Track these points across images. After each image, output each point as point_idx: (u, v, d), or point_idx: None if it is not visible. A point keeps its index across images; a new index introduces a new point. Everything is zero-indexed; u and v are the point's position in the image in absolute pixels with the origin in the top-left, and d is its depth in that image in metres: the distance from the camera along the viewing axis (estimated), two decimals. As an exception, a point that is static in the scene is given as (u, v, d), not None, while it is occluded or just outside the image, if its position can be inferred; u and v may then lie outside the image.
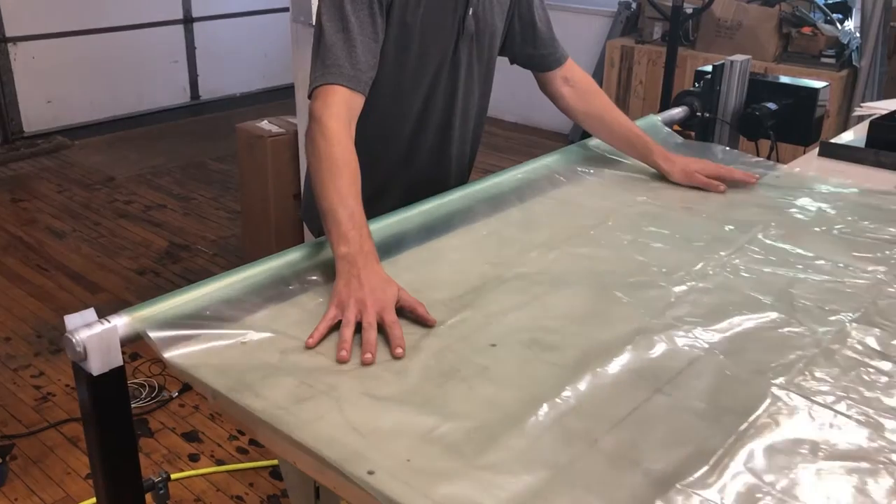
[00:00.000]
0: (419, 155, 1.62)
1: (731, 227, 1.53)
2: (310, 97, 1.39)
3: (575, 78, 1.74)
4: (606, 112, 1.76)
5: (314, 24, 1.45)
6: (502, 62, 1.74)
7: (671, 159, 1.71)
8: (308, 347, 1.09)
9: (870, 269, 1.37)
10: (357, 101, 1.38)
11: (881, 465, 0.92)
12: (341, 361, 1.07)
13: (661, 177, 1.73)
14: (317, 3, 1.45)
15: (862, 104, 2.97)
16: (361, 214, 1.25)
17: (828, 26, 4.58)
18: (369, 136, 1.46)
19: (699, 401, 1.02)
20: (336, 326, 1.13)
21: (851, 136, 2.16)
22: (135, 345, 1.09)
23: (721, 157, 1.86)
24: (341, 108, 1.35)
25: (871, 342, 1.16)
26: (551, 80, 1.74)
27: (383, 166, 1.58)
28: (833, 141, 2.09)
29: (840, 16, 4.68)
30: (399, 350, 1.09)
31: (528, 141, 5.63)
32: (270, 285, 1.23)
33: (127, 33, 5.75)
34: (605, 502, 0.86)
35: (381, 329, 1.12)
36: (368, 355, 1.07)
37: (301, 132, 3.07)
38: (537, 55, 1.70)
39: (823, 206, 1.64)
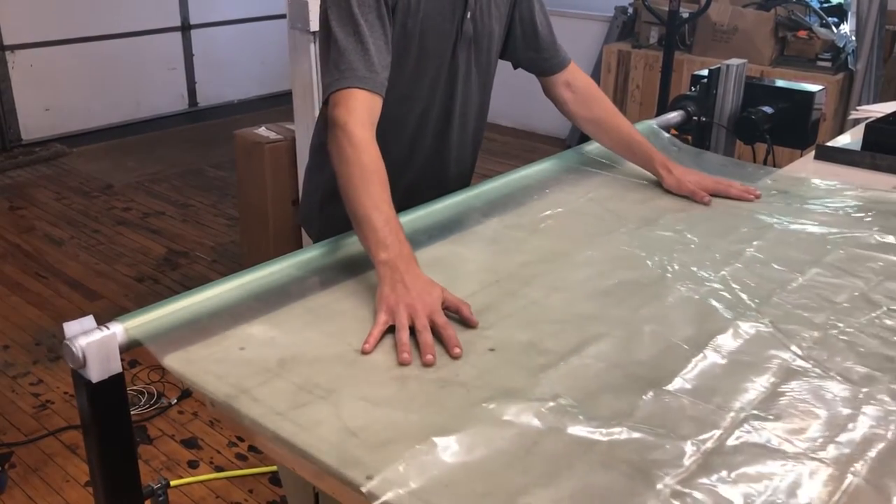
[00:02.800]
0: (418, 158, 1.62)
1: (732, 232, 1.54)
2: (325, 103, 1.39)
3: (577, 83, 1.75)
4: (608, 118, 1.76)
5: (320, 29, 1.46)
6: (503, 67, 1.74)
7: (670, 168, 1.71)
8: (365, 353, 1.11)
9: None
10: (377, 103, 1.39)
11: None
12: (404, 364, 1.09)
13: (659, 183, 1.74)
14: (319, 10, 1.46)
15: (858, 107, 2.98)
16: (396, 219, 1.27)
17: (823, 30, 4.59)
18: None
19: (696, 401, 1.03)
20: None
21: (848, 139, 2.17)
22: (133, 352, 1.09)
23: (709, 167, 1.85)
24: (364, 114, 1.35)
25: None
26: (554, 85, 1.75)
27: None
28: (829, 144, 2.10)
29: (836, 19, 4.70)
30: (457, 350, 1.11)
31: (526, 146, 5.64)
32: (269, 291, 1.24)
33: (125, 41, 5.76)
34: (603, 506, 0.86)
35: (434, 331, 1.14)
36: (430, 356, 1.09)
37: (299, 138, 3.07)
38: (539, 59, 1.71)
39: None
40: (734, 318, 1.23)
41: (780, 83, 2.39)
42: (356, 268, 1.32)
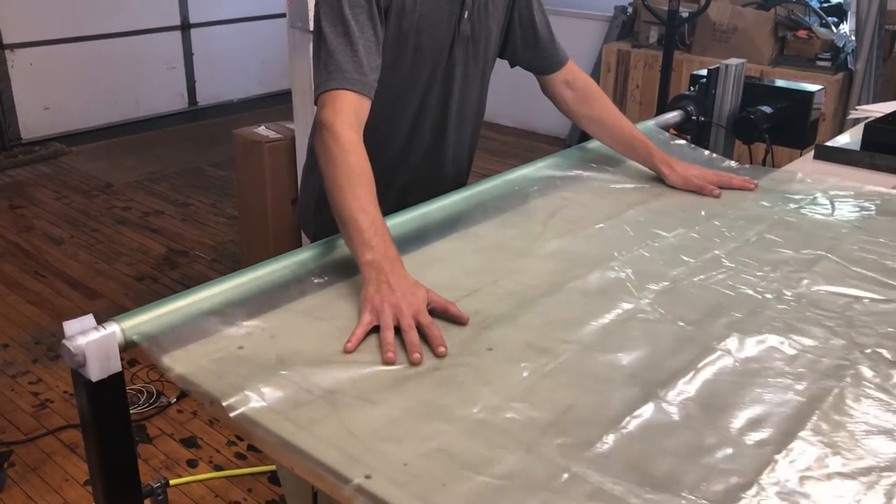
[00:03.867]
0: (415, 157, 1.62)
1: (731, 230, 1.54)
2: (315, 103, 1.39)
3: (576, 81, 1.75)
4: (608, 116, 1.76)
5: (313, 29, 1.46)
6: (502, 66, 1.74)
7: (671, 164, 1.72)
8: (347, 352, 1.11)
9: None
10: (365, 105, 1.39)
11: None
12: (389, 363, 1.09)
13: (659, 180, 1.74)
14: (314, 9, 1.46)
15: (857, 107, 2.98)
16: (382, 220, 1.27)
17: (823, 30, 4.60)
18: (364, 138, 1.47)
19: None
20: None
21: (847, 139, 2.17)
22: (133, 351, 1.09)
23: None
24: (351, 115, 1.36)
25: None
26: (553, 83, 1.75)
27: (378, 169, 1.58)
28: (828, 144, 2.10)
29: (835, 19, 4.70)
30: (442, 349, 1.12)
31: (525, 145, 5.64)
32: (267, 290, 1.24)
33: (124, 39, 5.75)
34: (600, 505, 0.87)
35: (419, 331, 1.14)
36: (417, 355, 1.10)
37: (299, 137, 3.07)
38: (538, 58, 1.71)
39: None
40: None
41: (779, 83, 2.39)
42: (355, 267, 1.31)
